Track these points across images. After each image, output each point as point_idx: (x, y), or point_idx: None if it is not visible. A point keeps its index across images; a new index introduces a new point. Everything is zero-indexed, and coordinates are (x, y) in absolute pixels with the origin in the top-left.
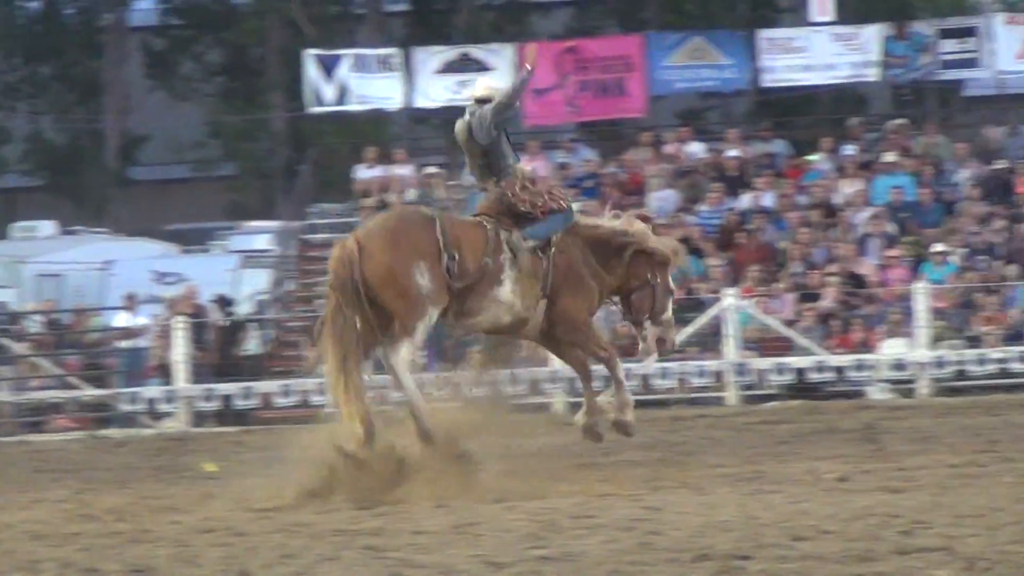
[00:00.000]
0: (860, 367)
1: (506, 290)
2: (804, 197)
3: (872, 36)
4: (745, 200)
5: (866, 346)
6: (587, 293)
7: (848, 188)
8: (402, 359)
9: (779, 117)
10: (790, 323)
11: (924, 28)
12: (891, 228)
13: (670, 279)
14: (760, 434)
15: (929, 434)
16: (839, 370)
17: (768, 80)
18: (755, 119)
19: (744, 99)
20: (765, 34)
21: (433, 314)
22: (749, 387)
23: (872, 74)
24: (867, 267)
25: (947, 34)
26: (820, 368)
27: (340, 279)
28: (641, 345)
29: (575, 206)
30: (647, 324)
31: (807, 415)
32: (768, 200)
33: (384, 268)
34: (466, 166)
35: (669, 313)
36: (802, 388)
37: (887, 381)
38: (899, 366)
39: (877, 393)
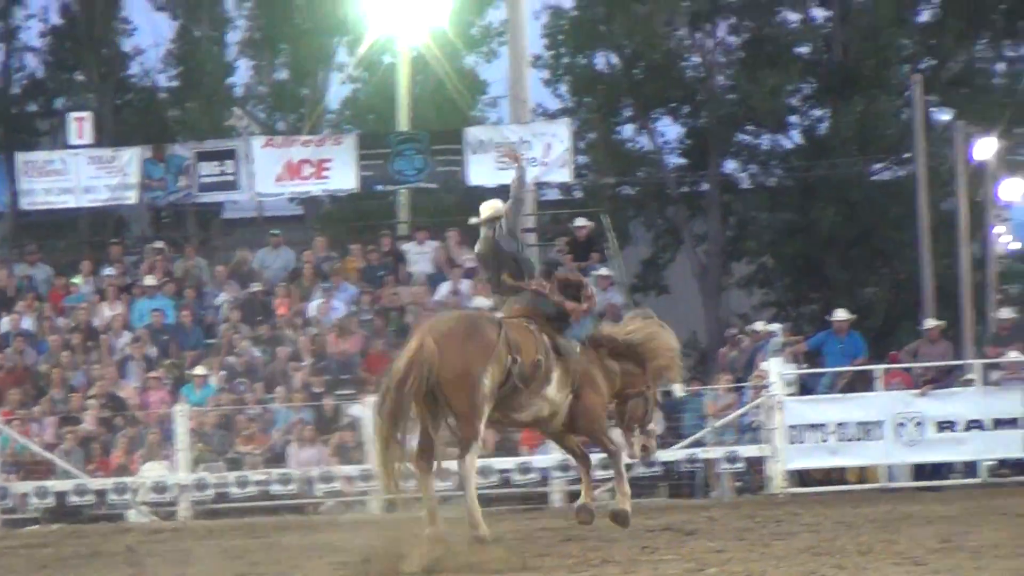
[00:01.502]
0: (121, 490)
1: (552, 387)
2: (65, 320)
3: (130, 159)
4: (5, 323)
5: (127, 469)
6: (603, 390)
7: (108, 311)
8: (470, 464)
9: (40, 240)
10: (50, 446)
11: (182, 151)
12: (152, 350)
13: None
14: (22, 558)
15: (191, 557)
16: (100, 493)
17: (27, 203)
18: (16, 242)
19: (3, 222)
20: (23, 157)
21: (488, 412)
22: (11, 511)
23: (131, 197)
24: (128, 390)
25: (205, 156)
26: (81, 491)
27: (412, 377)
28: (627, 451)
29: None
30: (636, 431)
31: (68, 539)
32: (28, 323)
33: (460, 371)
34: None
35: (655, 423)
36: (63, 512)
37: (148, 503)
38: (160, 488)
39: (138, 516)
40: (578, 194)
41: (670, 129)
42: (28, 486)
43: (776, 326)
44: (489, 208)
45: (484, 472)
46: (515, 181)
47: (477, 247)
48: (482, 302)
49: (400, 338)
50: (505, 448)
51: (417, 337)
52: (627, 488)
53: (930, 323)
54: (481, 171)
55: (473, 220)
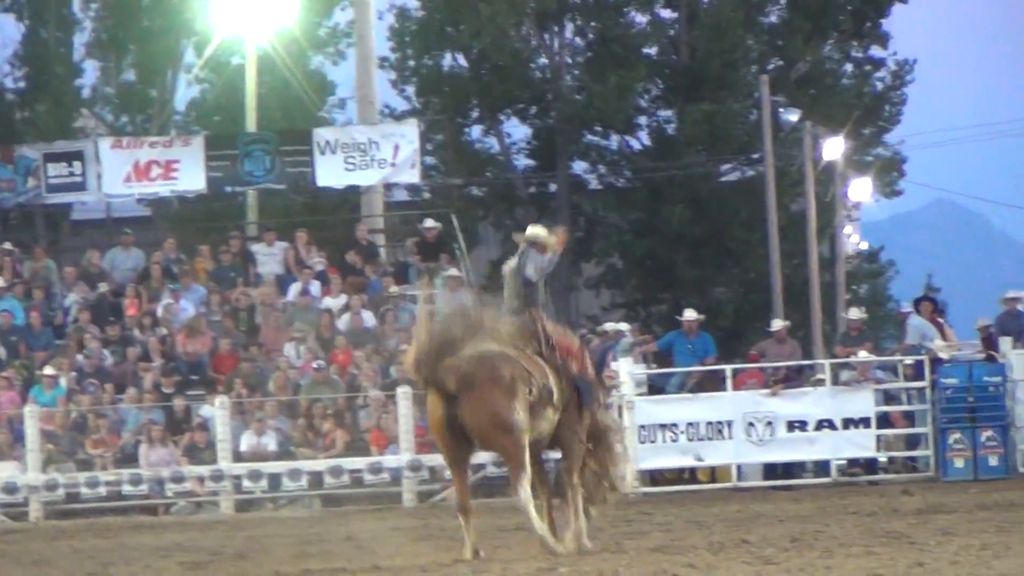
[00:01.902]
0: None
1: (552, 408)
2: None
3: None
4: None
5: None
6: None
7: None
8: (525, 497)
9: None
10: None
11: (30, 152)
12: (1, 351)
13: None
14: None
15: (41, 558)
16: None
17: None
18: None
19: None
20: None
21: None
22: None
23: None
24: None
25: (53, 158)
26: None
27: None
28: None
29: None
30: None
31: None
32: None
33: (496, 418)
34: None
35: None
36: None
37: None
38: (10, 489)
39: None
40: (426, 195)
41: (518, 130)
42: None
43: (625, 326)
44: (534, 233)
45: (335, 472)
46: (551, 261)
47: (511, 264)
48: (332, 302)
49: (250, 338)
50: (356, 448)
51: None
52: (583, 525)
53: (777, 323)
54: (329, 172)
55: (518, 236)
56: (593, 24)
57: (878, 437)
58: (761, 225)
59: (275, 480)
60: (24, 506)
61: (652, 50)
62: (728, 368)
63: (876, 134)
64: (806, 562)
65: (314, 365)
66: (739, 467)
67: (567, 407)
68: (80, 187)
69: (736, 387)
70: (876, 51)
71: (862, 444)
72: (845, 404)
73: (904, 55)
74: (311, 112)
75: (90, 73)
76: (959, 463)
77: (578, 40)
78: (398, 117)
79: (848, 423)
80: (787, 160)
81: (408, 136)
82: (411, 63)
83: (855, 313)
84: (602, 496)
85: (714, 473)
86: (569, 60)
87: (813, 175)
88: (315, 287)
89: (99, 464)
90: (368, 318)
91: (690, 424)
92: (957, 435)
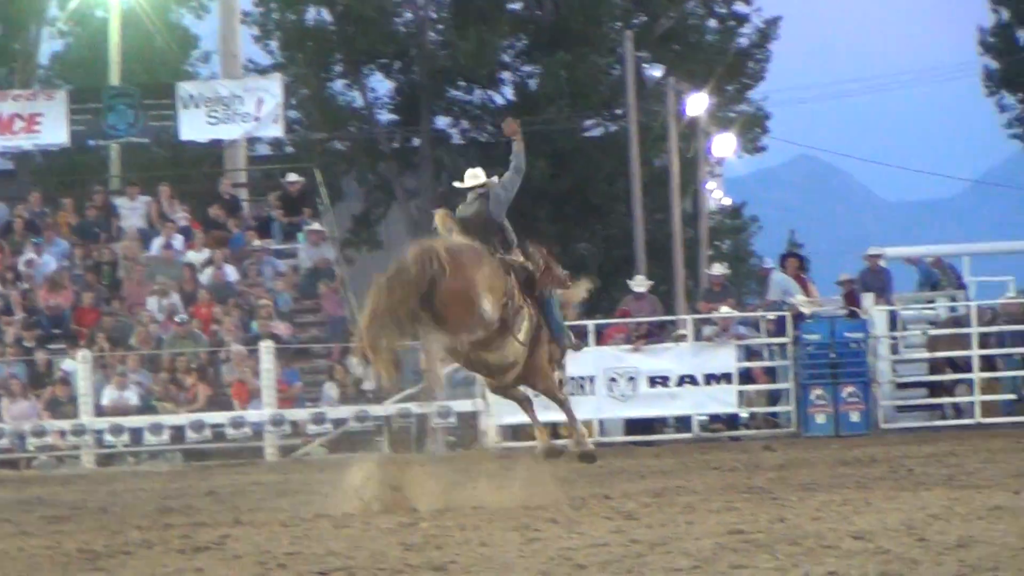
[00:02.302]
0: None
1: (521, 335)
2: None
3: None
4: None
5: None
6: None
7: None
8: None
9: None
10: None
11: None
12: None
13: None
14: None
15: None
16: None
17: None
18: None
19: None
20: None
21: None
22: None
23: None
24: None
25: None
26: None
27: (414, 275)
28: None
29: None
30: None
31: None
32: None
33: (465, 285)
34: None
35: None
36: None
37: None
38: None
39: None
40: (290, 149)
41: (381, 85)
42: None
43: None
44: (473, 176)
45: (197, 427)
46: (517, 155)
47: (462, 211)
48: (194, 257)
49: (113, 292)
50: (218, 403)
51: (424, 245)
52: (583, 429)
53: (639, 279)
54: (192, 126)
55: (458, 184)
56: None
57: (740, 393)
58: (624, 180)
59: (137, 434)
60: None
61: (516, 5)
62: (590, 324)
63: (740, 91)
64: (667, 517)
65: (176, 319)
66: (601, 422)
67: (537, 345)
68: None
69: (603, 342)
70: (740, 7)
71: (724, 400)
72: (707, 360)
73: (768, 12)
74: (174, 66)
75: None
76: (821, 419)
77: None
78: (262, 71)
79: (710, 379)
80: (650, 116)
81: (271, 90)
82: (275, 17)
83: (717, 269)
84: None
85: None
86: (433, 15)
87: (676, 131)
88: (178, 241)
89: None
90: (231, 272)
91: None
92: (819, 391)
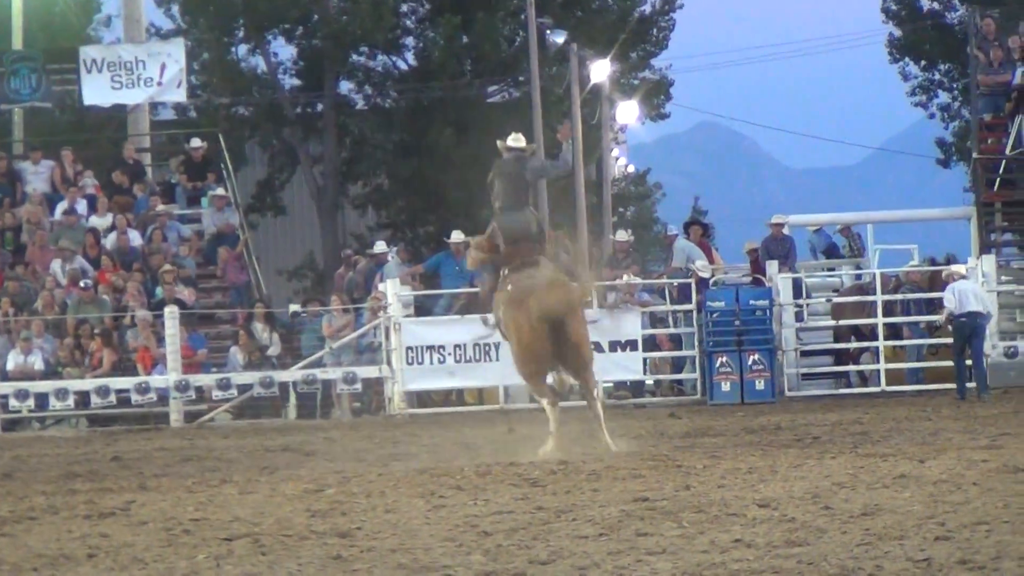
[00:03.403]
0: None
1: None
2: None
3: None
4: None
5: None
6: None
7: None
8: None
9: None
10: None
11: None
12: None
13: None
14: None
15: None
16: None
17: None
18: None
19: None
20: None
21: None
22: None
23: None
24: None
25: None
26: None
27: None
28: None
29: None
30: None
31: None
32: None
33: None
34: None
35: None
36: None
37: None
38: None
39: None
40: (193, 114)
41: (284, 50)
42: None
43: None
44: (516, 139)
45: (102, 392)
46: (567, 152)
47: (502, 167)
48: (98, 221)
49: (17, 257)
50: (123, 368)
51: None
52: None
53: None
54: (95, 91)
55: (511, 141)
56: None
57: (645, 360)
58: None
59: (42, 400)
60: None
61: None
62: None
63: (643, 57)
64: (573, 485)
65: (81, 284)
66: (506, 388)
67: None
68: None
69: None
70: None
71: (629, 367)
72: (612, 327)
73: None
74: (77, 30)
75: None
76: (726, 387)
77: None
78: (164, 36)
79: (615, 345)
80: (553, 82)
81: (174, 55)
82: None
83: (622, 235)
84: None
85: (481, 395)
86: None
87: (579, 97)
88: (82, 206)
89: None
90: (135, 237)
91: (457, 346)
92: (724, 359)
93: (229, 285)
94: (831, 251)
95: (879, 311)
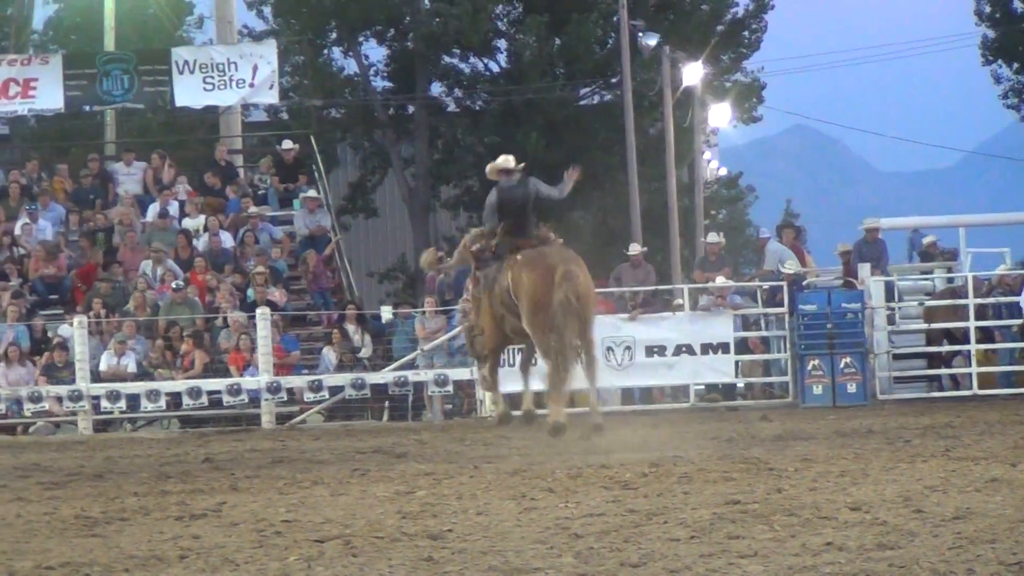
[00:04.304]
0: None
1: None
2: None
3: None
4: None
5: None
6: None
7: None
8: None
9: None
10: None
11: None
12: None
13: None
14: None
15: None
16: None
17: None
18: None
19: None
20: None
21: None
22: None
23: None
24: None
25: None
26: None
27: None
28: None
29: None
30: None
31: None
32: None
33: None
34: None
35: None
36: None
37: None
38: None
39: None
40: (285, 116)
41: (376, 52)
42: None
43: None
44: (508, 160)
45: (193, 393)
46: (565, 184)
47: (505, 193)
48: (190, 223)
49: (108, 258)
50: (215, 370)
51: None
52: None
53: (634, 248)
54: (187, 92)
55: (503, 163)
56: None
57: (736, 363)
58: (620, 149)
59: (134, 401)
60: None
61: None
62: None
63: (736, 60)
64: (664, 488)
65: (172, 285)
66: (598, 391)
67: None
68: None
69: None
70: None
71: (721, 370)
72: (704, 329)
73: None
74: (169, 32)
75: None
76: (818, 389)
77: None
78: (256, 38)
79: (707, 348)
80: (645, 85)
81: (266, 57)
82: None
83: (713, 238)
84: None
85: (573, 398)
86: None
87: (672, 100)
88: (174, 207)
89: None
90: (227, 239)
91: None
92: (816, 361)
93: (318, 287)
94: (927, 254)
95: (971, 314)
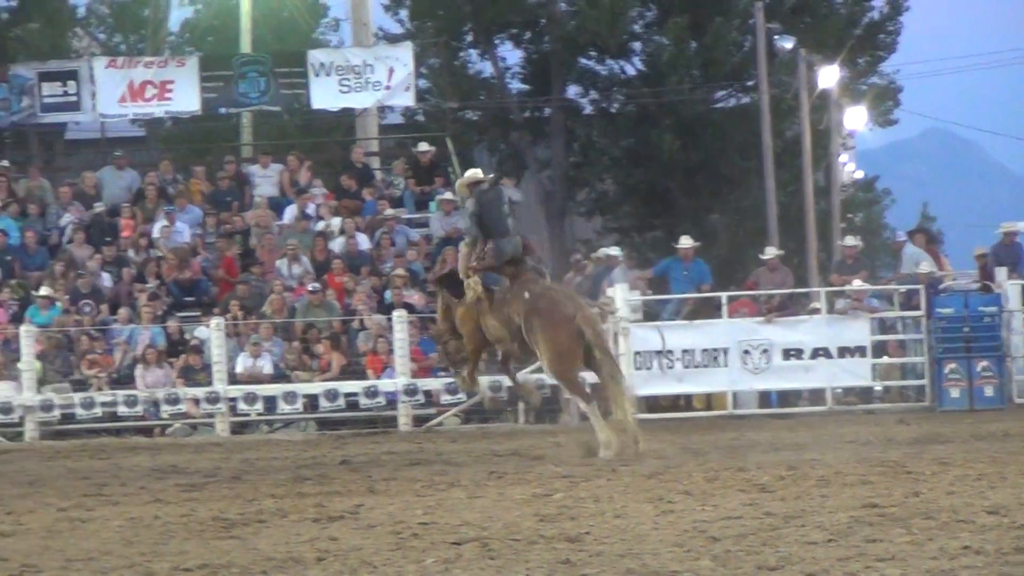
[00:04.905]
0: None
1: None
2: None
3: None
4: None
5: None
6: None
7: None
8: None
9: None
10: None
11: (24, 71)
12: None
13: None
14: None
15: (37, 478)
16: None
17: None
18: None
19: None
20: None
21: None
22: None
23: None
24: None
25: (48, 77)
26: None
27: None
28: None
29: None
30: None
31: None
32: None
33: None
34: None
35: None
36: None
37: None
38: (6, 409)
39: None
40: (420, 119)
41: (512, 54)
42: None
43: (617, 250)
44: (479, 173)
45: (330, 396)
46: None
47: (482, 197)
48: (327, 225)
49: (246, 259)
50: (352, 372)
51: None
52: None
53: (770, 251)
54: (324, 94)
55: (471, 176)
56: None
57: (874, 366)
58: (756, 152)
59: (271, 403)
60: (20, 426)
61: None
62: (724, 295)
63: (872, 63)
64: (802, 491)
65: (309, 288)
66: (734, 395)
67: None
68: (75, 107)
69: (730, 315)
70: None
71: (858, 373)
72: (841, 332)
73: None
74: (305, 34)
75: None
76: (955, 393)
77: None
78: (392, 40)
79: (844, 352)
80: (782, 88)
81: (403, 59)
82: None
83: (850, 241)
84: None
85: (710, 401)
86: None
87: (808, 103)
88: (310, 209)
89: (94, 385)
90: (363, 241)
91: (685, 351)
92: (953, 365)
93: None
94: None
95: None
